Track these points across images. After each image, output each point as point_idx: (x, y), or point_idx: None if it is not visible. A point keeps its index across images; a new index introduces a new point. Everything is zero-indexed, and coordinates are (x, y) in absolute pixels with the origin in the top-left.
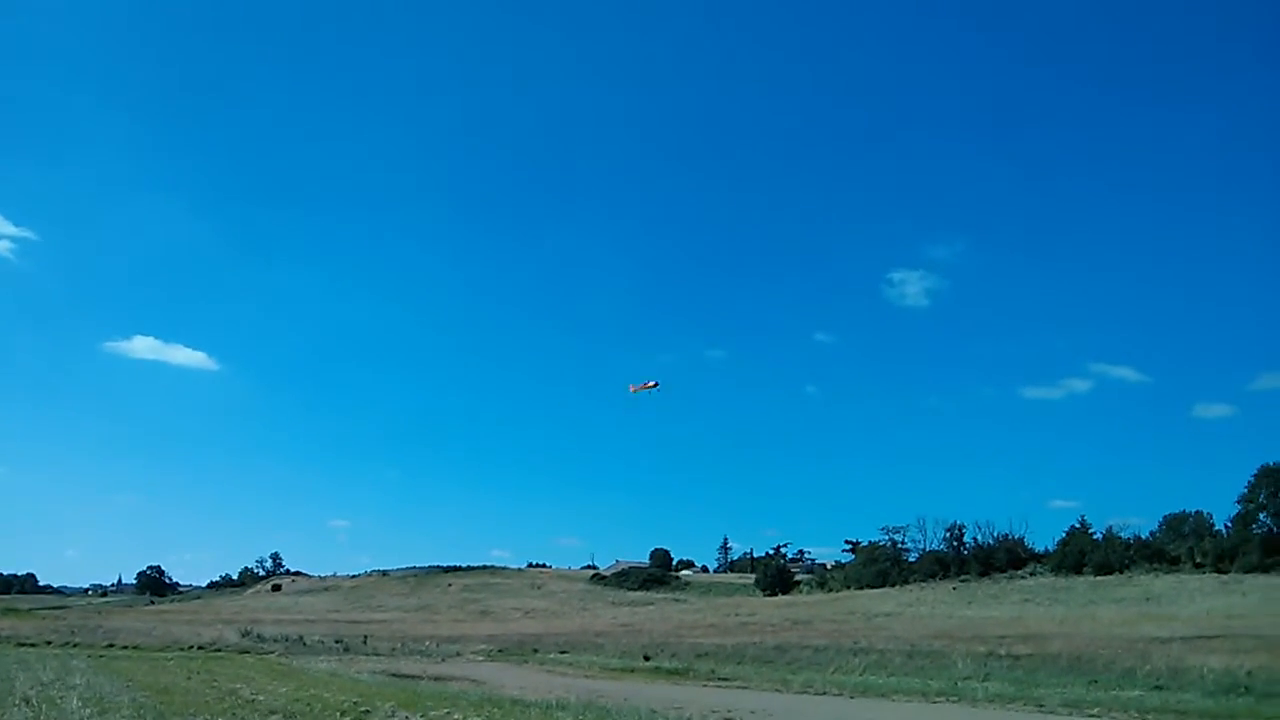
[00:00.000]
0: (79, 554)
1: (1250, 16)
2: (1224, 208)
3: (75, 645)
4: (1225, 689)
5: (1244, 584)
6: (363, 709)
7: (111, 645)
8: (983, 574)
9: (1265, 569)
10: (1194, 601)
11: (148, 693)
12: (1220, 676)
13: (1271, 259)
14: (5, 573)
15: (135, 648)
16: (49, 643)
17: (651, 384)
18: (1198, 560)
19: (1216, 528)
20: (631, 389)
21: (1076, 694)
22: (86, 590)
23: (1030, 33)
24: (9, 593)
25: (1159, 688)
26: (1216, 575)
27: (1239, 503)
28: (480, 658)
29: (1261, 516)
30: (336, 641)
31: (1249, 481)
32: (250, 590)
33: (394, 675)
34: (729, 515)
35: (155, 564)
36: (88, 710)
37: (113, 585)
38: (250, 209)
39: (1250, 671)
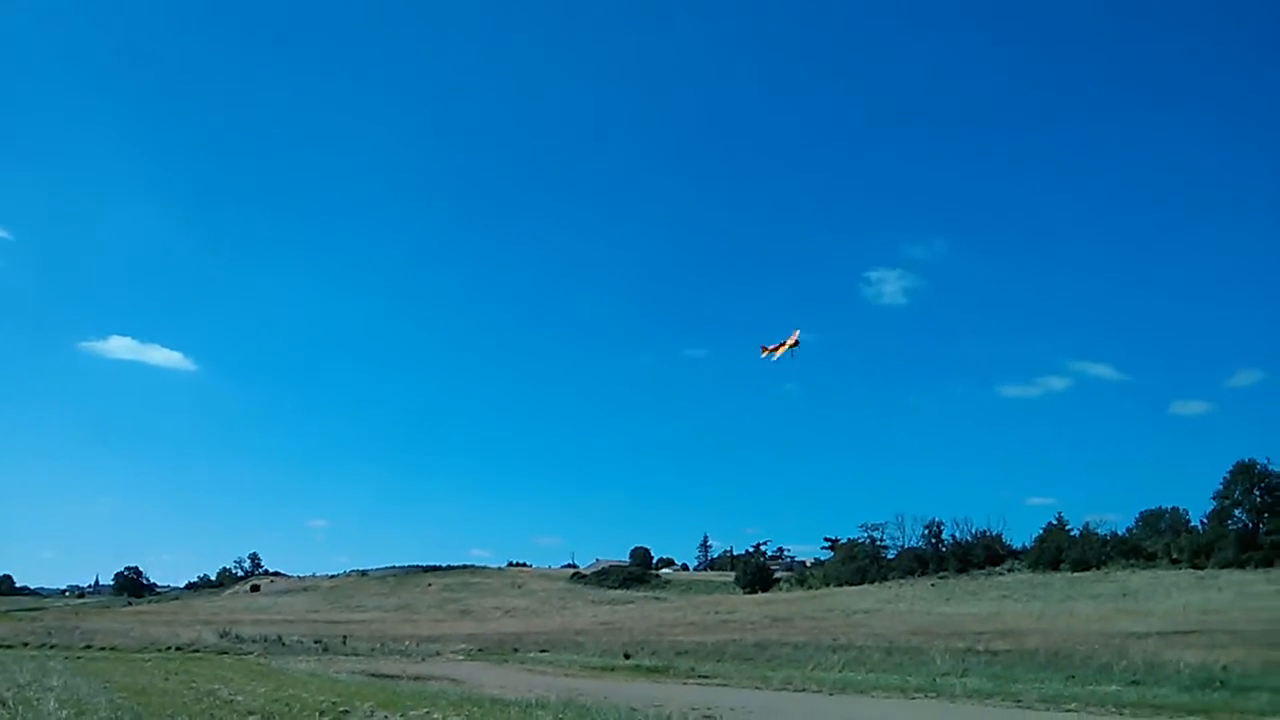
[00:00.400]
0: (56, 555)
1: (1235, 16)
2: (1201, 206)
3: (52, 646)
4: (1201, 683)
5: (1219, 579)
6: (341, 709)
7: (89, 646)
8: (961, 571)
9: (1240, 564)
10: (1170, 597)
11: (125, 694)
12: (1196, 671)
13: (1248, 257)
14: None
15: (113, 649)
16: (26, 644)
17: (791, 341)
18: (1174, 556)
19: (1193, 524)
20: (764, 352)
21: (1054, 689)
22: (64, 591)
23: (1009, 35)
24: None
25: (1135, 683)
26: (1192, 571)
27: (1215, 499)
28: (460, 657)
29: (1237, 513)
30: (315, 642)
31: (1225, 478)
32: (228, 591)
33: (373, 675)
34: (709, 513)
35: (133, 565)
36: (65, 712)
37: (90, 586)
38: (228, 209)
39: (1226, 666)
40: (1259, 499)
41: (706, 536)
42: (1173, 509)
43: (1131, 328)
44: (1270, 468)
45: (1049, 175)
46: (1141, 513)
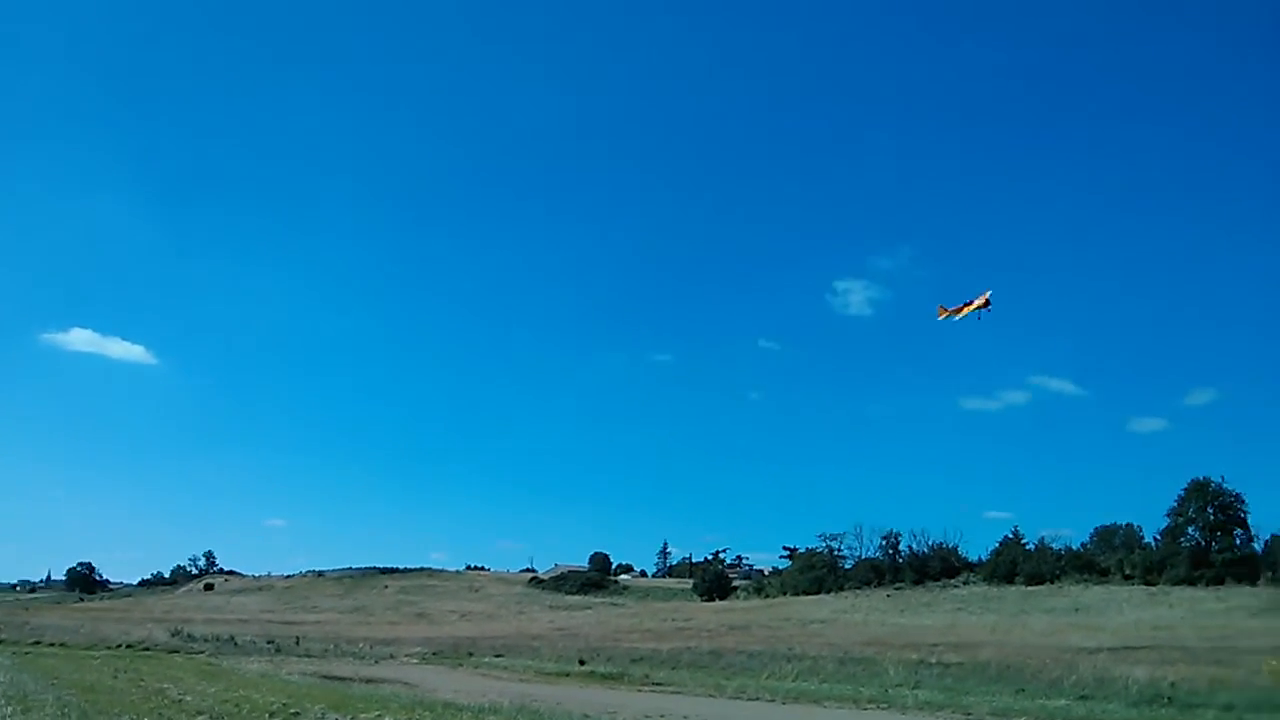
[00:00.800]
0: (7, 549)
1: (1214, 23)
2: (1162, 223)
3: (1, 642)
4: (1149, 699)
5: (1171, 596)
6: (292, 710)
7: (38, 642)
8: (917, 582)
9: (1192, 582)
10: (1122, 613)
11: (73, 691)
12: (1144, 687)
13: (1207, 275)
14: None
15: (62, 645)
16: None
17: (980, 302)
18: (1127, 572)
19: (1146, 540)
20: (942, 313)
21: (1004, 703)
22: (14, 586)
23: (976, 46)
24: None
25: (1085, 697)
26: (1145, 587)
27: (1168, 516)
28: (414, 660)
29: (1190, 530)
30: (269, 642)
31: (1179, 495)
32: (182, 589)
33: (325, 677)
34: (669, 520)
35: (86, 560)
36: (10, 708)
37: (41, 581)
38: (192, 204)
39: (1174, 683)
40: (1212, 517)
41: (666, 543)
42: (1127, 525)
43: (1092, 344)
44: (1224, 486)
45: (1015, 188)
46: (1096, 528)
